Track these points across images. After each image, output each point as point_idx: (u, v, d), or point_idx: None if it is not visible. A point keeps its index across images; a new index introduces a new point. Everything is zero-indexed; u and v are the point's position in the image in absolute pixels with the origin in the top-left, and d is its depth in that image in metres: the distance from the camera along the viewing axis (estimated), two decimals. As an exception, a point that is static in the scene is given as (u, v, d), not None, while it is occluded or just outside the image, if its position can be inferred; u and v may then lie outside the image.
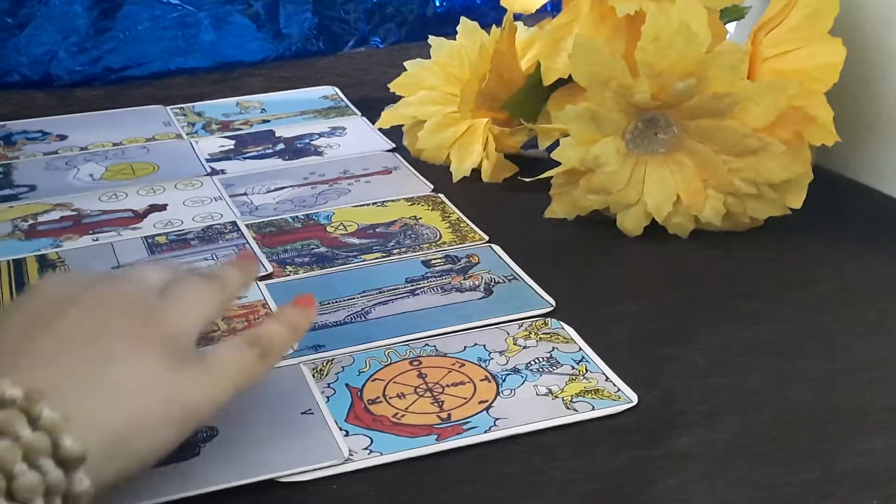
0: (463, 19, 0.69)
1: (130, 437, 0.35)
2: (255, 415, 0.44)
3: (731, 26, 0.66)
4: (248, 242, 0.60)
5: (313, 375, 0.47)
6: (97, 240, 0.61)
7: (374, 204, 0.65)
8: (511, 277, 0.56)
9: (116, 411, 0.35)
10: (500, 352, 0.49)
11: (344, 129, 0.79)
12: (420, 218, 0.63)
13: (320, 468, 0.41)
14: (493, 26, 0.65)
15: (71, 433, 0.33)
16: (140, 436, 0.36)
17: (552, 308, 0.53)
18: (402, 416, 0.44)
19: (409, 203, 0.66)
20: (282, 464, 0.41)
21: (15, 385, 0.33)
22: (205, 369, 0.39)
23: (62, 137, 0.79)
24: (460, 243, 0.60)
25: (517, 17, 0.67)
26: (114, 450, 0.35)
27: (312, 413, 0.44)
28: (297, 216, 0.64)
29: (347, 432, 0.43)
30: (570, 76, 0.59)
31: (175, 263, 0.47)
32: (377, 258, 0.58)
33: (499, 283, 0.55)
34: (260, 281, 0.55)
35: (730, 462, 0.41)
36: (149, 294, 0.41)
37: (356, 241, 0.61)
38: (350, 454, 0.42)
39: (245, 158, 0.74)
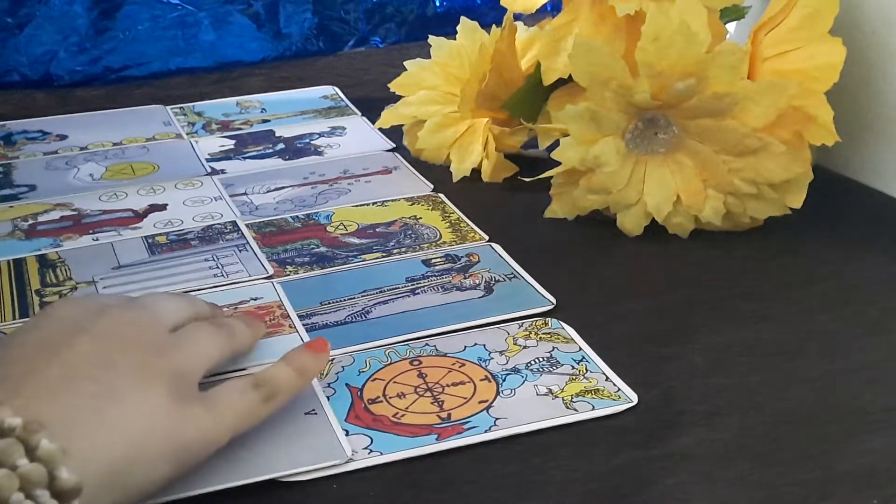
0: (463, 19, 0.69)
1: (127, 472, 0.35)
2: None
3: (731, 26, 0.66)
4: (248, 242, 0.60)
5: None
6: (97, 240, 0.61)
7: (374, 204, 0.65)
8: (511, 276, 0.56)
9: (115, 445, 0.35)
10: (500, 351, 0.49)
11: (344, 128, 0.79)
12: (420, 218, 0.63)
13: (321, 468, 0.41)
14: (493, 26, 0.65)
15: (68, 465, 0.33)
16: (136, 470, 0.36)
17: (553, 306, 0.53)
18: (402, 415, 0.44)
19: (409, 203, 0.66)
20: (284, 464, 0.41)
21: (15, 414, 0.33)
22: (207, 409, 0.39)
23: (62, 137, 0.78)
24: (460, 243, 0.60)
25: (517, 17, 0.67)
26: (110, 483, 0.35)
27: (316, 413, 0.44)
28: (297, 216, 0.64)
29: (347, 432, 0.43)
30: (570, 76, 0.59)
31: (193, 297, 0.48)
32: (377, 258, 0.58)
33: (499, 281, 0.55)
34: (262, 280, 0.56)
35: (730, 462, 0.41)
36: (160, 328, 0.41)
37: (356, 240, 0.61)
38: (351, 454, 0.42)
39: (245, 158, 0.74)
